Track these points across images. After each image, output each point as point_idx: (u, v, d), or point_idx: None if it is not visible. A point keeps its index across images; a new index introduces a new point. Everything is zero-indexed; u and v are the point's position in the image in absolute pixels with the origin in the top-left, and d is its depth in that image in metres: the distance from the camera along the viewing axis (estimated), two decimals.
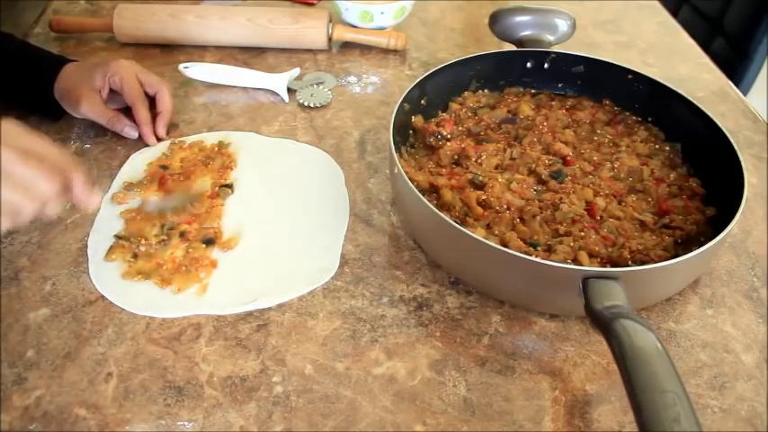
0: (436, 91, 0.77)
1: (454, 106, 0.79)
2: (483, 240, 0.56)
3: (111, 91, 0.79)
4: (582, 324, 0.61)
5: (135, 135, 0.79)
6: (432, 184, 0.67)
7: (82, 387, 0.54)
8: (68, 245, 0.66)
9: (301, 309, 0.61)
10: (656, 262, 0.58)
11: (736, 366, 0.58)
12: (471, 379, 0.56)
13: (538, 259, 0.56)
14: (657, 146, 0.75)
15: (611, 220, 0.64)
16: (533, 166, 0.70)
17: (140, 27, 0.95)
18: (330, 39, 0.97)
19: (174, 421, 0.52)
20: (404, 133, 0.75)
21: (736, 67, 1.38)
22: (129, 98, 0.78)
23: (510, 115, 0.78)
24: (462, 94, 0.81)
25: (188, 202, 0.69)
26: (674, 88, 0.75)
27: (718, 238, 0.57)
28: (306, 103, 0.87)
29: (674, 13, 1.29)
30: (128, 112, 0.79)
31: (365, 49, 1.00)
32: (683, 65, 1.01)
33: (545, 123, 0.76)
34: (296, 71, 0.91)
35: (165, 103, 0.81)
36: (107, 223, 0.68)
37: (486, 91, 0.82)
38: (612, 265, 0.60)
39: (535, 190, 0.68)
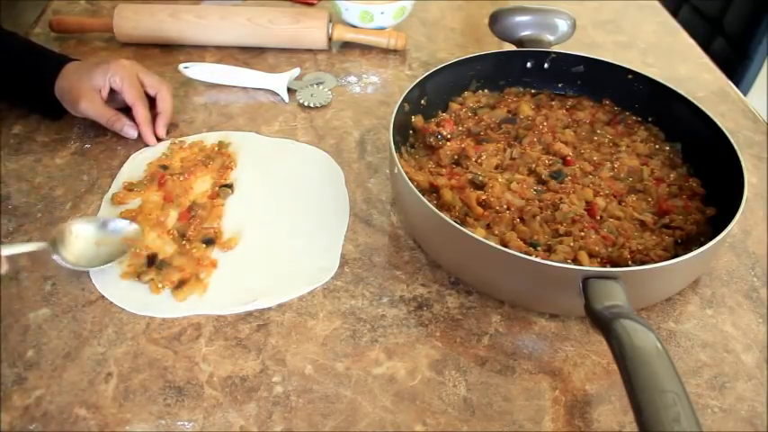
0: (436, 91, 0.77)
1: (454, 106, 0.79)
2: (483, 240, 0.56)
3: (112, 90, 0.79)
4: (582, 324, 0.61)
5: (134, 135, 0.79)
6: (432, 184, 0.67)
7: (82, 387, 0.54)
8: None
9: (301, 309, 0.61)
10: (656, 262, 0.58)
11: (736, 366, 0.58)
12: (471, 379, 0.56)
13: (538, 259, 0.56)
14: (657, 146, 0.75)
15: (611, 220, 0.64)
16: (533, 166, 0.70)
17: (140, 27, 0.95)
18: (330, 39, 0.97)
19: (174, 421, 0.52)
20: (404, 133, 0.75)
21: (736, 67, 1.38)
22: (129, 98, 0.78)
23: (510, 115, 0.78)
24: (462, 94, 0.81)
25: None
26: (674, 88, 0.75)
27: (718, 238, 0.57)
28: (306, 103, 0.87)
29: (674, 13, 1.29)
30: (128, 111, 0.79)
31: (365, 49, 1.00)
32: (683, 65, 1.01)
33: (545, 123, 0.76)
34: (296, 71, 0.91)
35: (166, 103, 0.80)
36: None
37: (486, 91, 0.82)
38: (612, 265, 0.60)
39: (535, 190, 0.68)
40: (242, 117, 0.85)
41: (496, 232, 0.62)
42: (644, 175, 0.70)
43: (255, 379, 0.55)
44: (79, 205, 0.70)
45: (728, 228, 0.58)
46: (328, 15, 0.97)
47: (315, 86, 0.89)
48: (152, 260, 0.64)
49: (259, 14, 0.96)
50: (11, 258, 0.64)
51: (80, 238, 0.64)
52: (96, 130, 0.80)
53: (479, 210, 0.64)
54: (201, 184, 0.73)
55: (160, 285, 0.62)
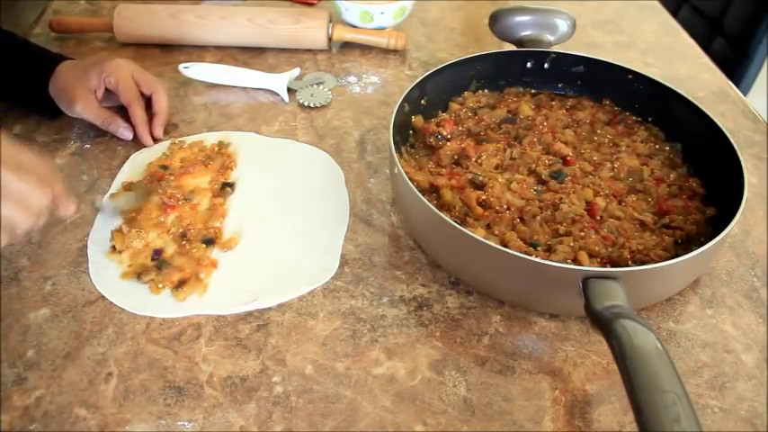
0: (436, 91, 0.77)
1: (454, 106, 0.79)
2: (483, 240, 0.56)
3: (107, 90, 0.79)
4: (582, 324, 0.61)
5: (130, 136, 0.78)
6: (432, 184, 0.67)
7: (82, 387, 0.54)
8: (68, 245, 0.66)
9: (301, 309, 0.61)
10: (656, 262, 0.58)
11: (736, 366, 0.58)
12: (471, 379, 0.56)
13: (538, 259, 0.56)
14: (657, 146, 0.75)
15: (611, 220, 0.64)
16: (533, 166, 0.70)
17: (140, 27, 0.95)
18: (330, 39, 0.97)
19: (174, 421, 0.52)
20: (404, 133, 0.75)
21: (736, 67, 1.38)
22: (124, 99, 0.78)
23: (510, 115, 0.78)
24: (462, 94, 0.81)
25: (142, 196, 0.68)
26: (674, 88, 0.75)
27: (718, 238, 0.57)
28: (306, 103, 0.87)
29: (674, 13, 1.29)
30: (124, 111, 0.79)
31: (365, 49, 1.00)
32: (683, 65, 1.01)
33: (545, 123, 0.76)
34: (296, 71, 0.91)
35: (162, 103, 0.80)
36: (107, 223, 0.68)
37: (486, 91, 0.82)
38: (612, 265, 0.60)
39: (535, 190, 0.68)
40: (242, 117, 0.85)
41: (496, 232, 0.62)
42: (644, 175, 0.70)
43: (255, 379, 0.55)
44: (79, 205, 0.70)
45: (728, 228, 0.58)
46: (328, 15, 0.97)
47: (315, 86, 0.89)
48: (158, 254, 0.64)
49: (259, 14, 0.96)
50: (11, 258, 0.64)
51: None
52: (96, 130, 0.80)
53: (479, 210, 0.64)
54: (201, 184, 0.73)
55: (160, 285, 0.62)
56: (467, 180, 0.68)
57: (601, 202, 0.66)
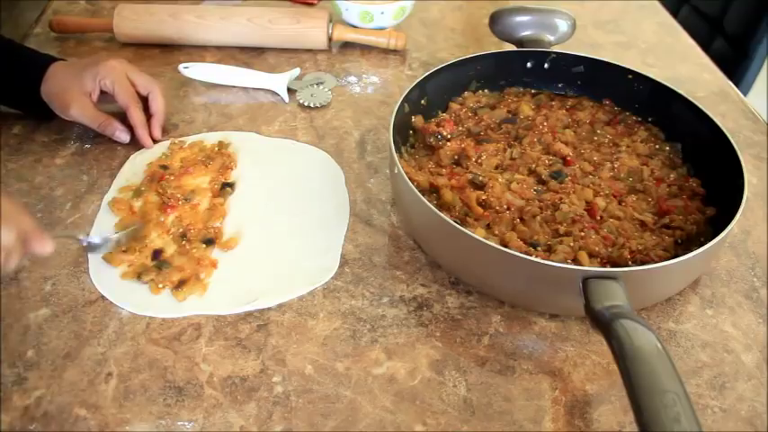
0: (436, 91, 0.77)
1: (454, 106, 0.79)
2: (483, 240, 0.56)
3: (102, 92, 0.77)
4: (582, 324, 0.61)
5: (127, 139, 0.77)
6: (432, 184, 0.67)
7: (82, 387, 0.54)
8: (68, 245, 0.66)
9: (301, 309, 0.61)
10: (656, 262, 0.58)
11: (736, 366, 0.58)
12: (471, 379, 0.56)
13: (538, 259, 0.56)
14: (657, 146, 0.75)
15: (611, 220, 0.64)
16: (533, 166, 0.70)
17: (140, 27, 0.95)
18: (330, 39, 0.97)
19: (174, 421, 0.52)
20: (404, 133, 0.75)
21: (736, 67, 1.38)
22: (121, 101, 0.77)
23: (510, 115, 0.78)
24: (462, 94, 0.81)
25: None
26: (674, 88, 0.75)
27: (718, 238, 0.57)
28: (306, 103, 0.87)
29: (674, 13, 1.29)
30: (121, 113, 0.78)
31: (365, 49, 1.00)
32: (683, 65, 1.01)
33: (545, 123, 0.76)
34: (296, 71, 0.91)
35: (159, 103, 0.79)
36: (107, 224, 0.68)
37: (486, 91, 0.82)
38: (612, 265, 0.60)
39: (535, 190, 0.68)
40: (242, 117, 0.85)
41: (496, 232, 0.62)
42: (644, 175, 0.70)
43: (255, 379, 0.55)
44: (79, 205, 0.70)
45: (728, 228, 0.58)
46: (328, 15, 0.97)
47: (315, 86, 0.89)
48: (157, 254, 0.64)
49: (259, 14, 0.96)
50: None
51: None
52: (96, 130, 0.80)
53: (479, 210, 0.64)
54: (200, 184, 0.73)
55: (160, 285, 0.62)
56: (467, 180, 0.68)
57: (601, 202, 0.66)
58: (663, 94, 0.76)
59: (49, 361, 0.56)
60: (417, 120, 0.76)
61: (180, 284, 0.62)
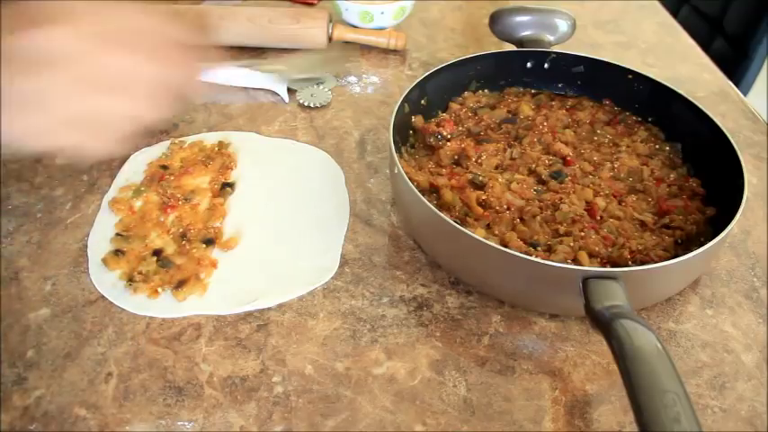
0: (436, 91, 0.77)
1: (454, 106, 0.79)
2: (483, 240, 0.56)
3: None
4: (582, 324, 0.61)
5: None
6: (432, 184, 0.67)
7: (82, 387, 0.54)
8: (68, 245, 0.66)
9: (301, 309, 0.61)
10: (656, 262, 0.58)
11: (736, 366, 0.58)
12: (471, 379, 0.56)
13: (538, 259, 0.56)
14: (657, 146, 0.75)
15: (611, 220, 0.64)
16: (533, 166, 0.70)
17: None
18: (330, 39, 0.97)
19: (174, 421, 0.52)
20: (404, 133, 0.75)
21: (736, 67, 1.38)
22: None
23: (510, 115, 0.78)
24: (462, 94, 0.81)
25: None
26: (674, 88, 0.75)
27: (718, 238, 0.57)
28: (306, 103, 0.87)
29: (674, 13, 1.29)
30: None
31: (365, 49, 1.00)
32: (683, 65, 1.01)
33: (545, 123, 0.76)
34: None
35: None
36: (107, 224, 0.68)
37: (486, 91, 0.82)
38: (612, 265, 0.60)
39: (535, 190, 0.68)
40: (242, 117, 0.85)
41: (496, 232, 0.62)
42: (644, 175, 0.70)
43: (255, 379, 0.55)
44: (79, 205, 0.70)
45: (728, 228, 0.58)
46: (328, 15, 0.97)
47: (315, 86, 0.89)
48: (158, 254, 0.64)
49: (259, 14, 0.96)
50: (11, 258, 0.64)
51: None
52: None
53: (479, 210, 0.64)
54: (201, 184, 0.73)
55: (159, 290, 0.61)
56: (467, 180, 0.68)
57: (601, 202, 0.66)
58: (663, 94, 0.76)
59: (49, 361, 0.56)
60: (417, 120, 0.76)
61: (180, 284, 0.62)
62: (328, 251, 0.67)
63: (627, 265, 0.59)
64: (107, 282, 0.62)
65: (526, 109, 0.78)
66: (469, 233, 0.56)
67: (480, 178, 0.68)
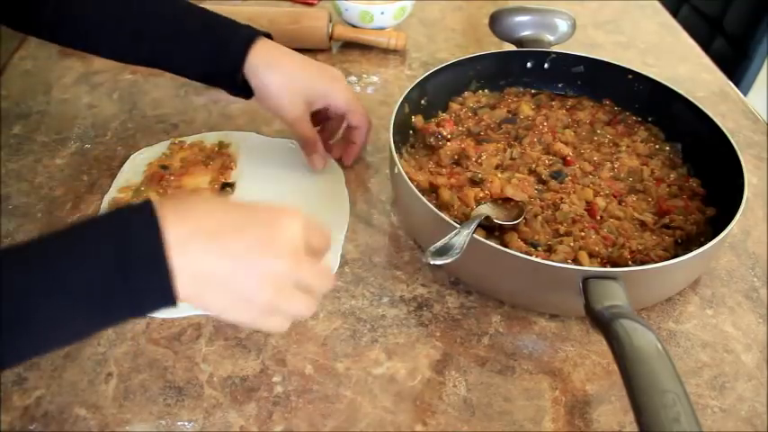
0: (436, 91, 0.77)
1: (454, 106, 0.79)
2: (483, 240, 0.56)
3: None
4: (582, 324, 0.61)
5: (321, 166, 0.73)
6: (432, 183, 0.67)
7: (82, 387, 0.54)
8: None
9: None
10: (656, 262, 0.58)
11: (736, 366, 0.58)
12: (471, 379, 0.56)
13: (538, 259, 0.56)
14: (657, 146, 0.75)
15: (612, 220, 0.64)
16: (533, 166, 0.70)
17: None
18: (330, 39, 0.97)
19: (174, 421, 0.52)
20: (404, 133, 0.75)
21: (736, 67, 1.38)
22: (357, 123, 0.73)
23: (510, 115, 0.78)
24: (462, 94, 0.81)
25: None
26: (674, 88, 0.75)
27: (719, 238, 0.57)
28: None
29: (674, 13, 1.29)
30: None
31: (365, 49, 1.00)
32: (683, 65, 1.01)
33: (545, 123, 0.76)
34: None
35: (362, 135, 0.74)
36: None
37: (486, 91, 0.82)
38: (612, 265, 0.60)
39: (536, 189, 0.68)
40: (242, 117, 0.85)
41: (497, 232, 0.62)
42: (644, 175, 0.70)
43: (255, 379, 0.55)
44: (79, 205, 0.70)
45: (728, 228, 0.58)
46: (328, 15, 0.97)
47: None
48: None
49: (259, 14, 0.96)
50: None
51: None
52: (96, 129, 0.80)
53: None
54: (200, 184, 0.73)
55: None
56: (466, 179, 0.68)
57: (601, 202, 0.66)
58: (663, 94, 0.76)
59: (49, 361, 0.56)
60: (417, 120, 0.76)
61: None
62: (328, 251, 0.66)
63: (627, 265, 0.59)
64: None
65: (526, 109, 0.78)
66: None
67: (480, 176, 0.68)
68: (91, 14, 0.68)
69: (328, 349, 0.58)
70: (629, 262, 0.60)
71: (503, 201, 0.65)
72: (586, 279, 0.53)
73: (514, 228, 0.63)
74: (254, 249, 0.44)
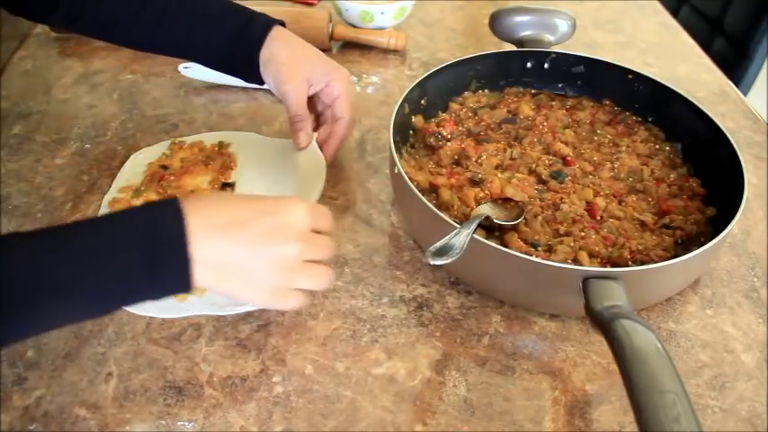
0: (436, 91, 0.77)
1: (454, 106, 0.79)
2: (483, 240, 0.56)
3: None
4: (582, 324, 0.61)
5: (304, 143, 0.72)
6: (432, 183, 0.67)
7: (82, 387, 0.54)
8: None
9: (301, 309, 0.61)
10: (656, 262, 0.58)
11: (736, 366, 0.58)
12: (471, 379, 0.56)
13: (538, 259, 0.56)
14: (657, 146, 0.75)
15: (612, 220, 0.64)
16: (533, 166, 0.70)
17: None
18: (330, 38, 0.97)
19: (174, 421, 0.52)
20: (404, 133, 0.75)
21: (736, 67, 1.38)
22: (339, 112, 0.73)
23: (510, 115, 0.78)
24: (462, 94, 0.81)
25: None
26: (674, 88, 0.75)
27: (719, 238, 0.57)
28: None
29: (674, 13, 1.29)
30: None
31: (365, 49, 1.00)
32: (683, 65, 1.01)
33: (545, 123, 0.76)
34: None
35: (340, 129, 0.74)
36: None
37: (486, 91, 0.82)
38: (612, 265, 0.60)
39: (536, 189, 0.68)
40: (242, 117, 0.85)
41: (497, 233, 0.62)
42: (644, 175, 0.70)
43: (255, 379, 0.55)
44: (79, 205, 0.70)
45: (728, 228, 0.58)
46: (328, 15, 0.97)
47: None
48: None
49: None
50: None
51: None
52: (96, 129, 0.80)
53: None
54: (200, 184, 0.73)
55: None
56: (466, 179, 0.68)
57: (601, 202, 0.66)
58: (663, 94, 0.76)
59: (49, 361, 0.56)
60: (417, 120, 0.76)
61: None
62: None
63: (627, 265, 0.59)
64: None
65: (526, 109, 0.78)
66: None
67: (480, 176, 0.68)
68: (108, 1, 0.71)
69: (328, 349, 0.58)
70: (629, 262, 0.60)
71: (503, 201, 0.65)
72: (586, 279, 0.53)
73: (514, 228, 0.63)
74: (263, 237, 0.49)
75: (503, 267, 0.57)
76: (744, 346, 0.60)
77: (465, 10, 1.14)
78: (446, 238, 0.55)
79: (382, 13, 0.99)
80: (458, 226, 0.57)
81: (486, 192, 0.66)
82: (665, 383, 0.44)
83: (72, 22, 0.73)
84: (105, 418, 0.52)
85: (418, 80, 0.74)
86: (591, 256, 0.60)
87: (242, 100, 0.88)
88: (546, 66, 0.82)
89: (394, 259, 0.66)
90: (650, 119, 0.78)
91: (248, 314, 0.60)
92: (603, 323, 0.49)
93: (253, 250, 0.49)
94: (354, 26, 1.01)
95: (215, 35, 0.72)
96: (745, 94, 1.00)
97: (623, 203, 0.67)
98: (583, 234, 0.62)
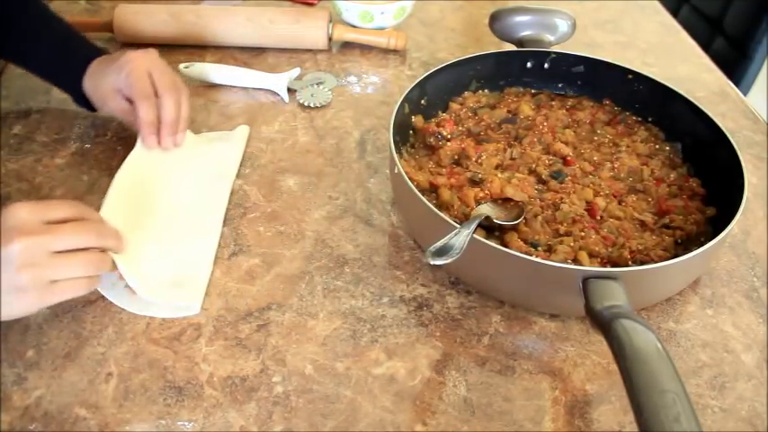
0: (436, 91, 0.77)
1: (454, 106, 0.79)
2: (483, 240, 0.56)
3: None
4: (582, 324, 0.61)
5: (152, 143, 0.72)
6: (432, 183, 0.67)
7: (82, 387, 0.54)
8: None
9: (301, 309, 0.61)
10: (656, 262, 0.58)
11: (736, 366, 0.58)
12: (471, 379, 0.56)
13: (538, 259, 0.56)
14: (657, 146, 0.75)
15: (612, 220, 0.64)
16: (533, 165, 0.70)
17: (140, 27, 0.94)
18: (330, 39, 0.97)
19: (174, 421, 0.52)
20: (404, 133, 0.75)
21: (736, 67, 1.38)
22: (129, 94, 0.71)
23: (510, 115, 0.78)
24: (462, 94, 0.81)
25: None
26: (674, 88, 0.75)
27: (719, 238, 0.57)
28: (306, 103, 0.87)
29: (674, 13, 1.29)
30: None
31: (365, 49, 1.00)
32: (683, 65, 1.01)
33: (545, 123, 0.76)
34: (296, 71, 0.90)
35: (167, 110, 0.71)
36: None
37: (486, 91, 0.82)
38: (612, 265, 0.60)
39: (536, 189, 0.68)
40: (242, 117, 0.85)
41: (497, 232, 0.62)
42: (644, 175, 0.70)
43: (255, 379, 0.55)
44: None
45: (728, 228, 0.58)
46: (328, 15, 0.97)
47: (315, 86, 0.89)
48: None
49: (259, 14, 0.96)
50: None
51: None
52: (96, 129, 0.80)
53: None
54: None
55: None
56: (466, 178, 0.68)
57: (601, 202, 0.66)
58: (663, 94, 0.76)
59: (49, 361, 0.56)
60: (417, 120, 0.76)
61: None
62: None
63: (627, 265, 0.59)
64: (107, 282, 0.62)
65: (526, 109, 0.78)
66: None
67: (480, 176, 0.68)
68: None
69: (328, 349, 0.58)
70: (629, 262, 0.60)
71: (503, 201, 0.65)
72: (586, 279, 0.53)
73: (514, 228, 0.63)
74: None
75: (503, 267, 0.57)
76: (744, 346, 0.60)
77: (465, 10, 1.14)
78: (446, 238, 0.55)
79: (382, 13, 0.99)
80: (458, 226, 0.57)
81: (486, 192, 0.66)
82: (664, 383, 0.44)
83: None
84: (105, 418, 0.52)
85: (418, 80, 0.74)
86: (591, 255, 0.60)
87: (242, 100, 0.88)
88: (546, 66, 0.82)
89: (394, 259, 0.66)
90: (650, 119, 0.78)
91: (248, 314, 0.60)
92: (603, 323, 0.49)
93: None
94: (354, 26, 1.01)
95: (51, 52, 0.77)
96: (745, 94, 1.00)
97: (623, 203, 0.67)
98: (583, 234, 0.62)
